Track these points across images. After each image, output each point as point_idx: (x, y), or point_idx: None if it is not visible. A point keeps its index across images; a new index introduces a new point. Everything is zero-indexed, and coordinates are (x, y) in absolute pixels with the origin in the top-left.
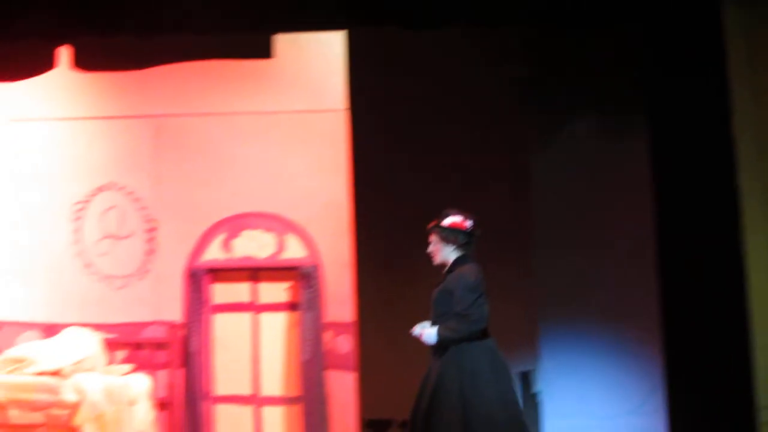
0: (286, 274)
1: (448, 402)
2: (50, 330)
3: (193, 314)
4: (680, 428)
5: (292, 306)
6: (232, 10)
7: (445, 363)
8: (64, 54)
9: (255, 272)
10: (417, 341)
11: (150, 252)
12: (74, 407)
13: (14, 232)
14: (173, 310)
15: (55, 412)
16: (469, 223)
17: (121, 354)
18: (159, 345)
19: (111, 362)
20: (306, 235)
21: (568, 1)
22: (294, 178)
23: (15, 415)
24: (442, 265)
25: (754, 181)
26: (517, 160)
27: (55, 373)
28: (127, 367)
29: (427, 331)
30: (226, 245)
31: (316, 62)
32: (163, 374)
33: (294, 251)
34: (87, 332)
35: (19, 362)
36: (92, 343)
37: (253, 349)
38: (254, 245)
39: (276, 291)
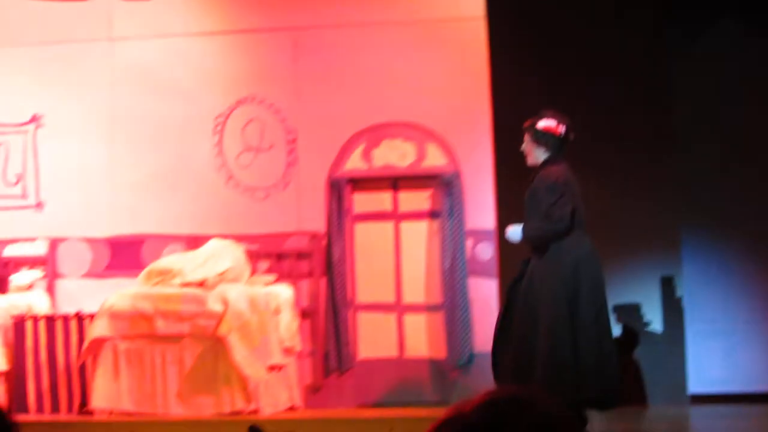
0: (427, 183)
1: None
2: (194, 242)
3: (335, 224)
4: None
5: (432, 214)
6: None
7: (544, 263)
8: None
9: (395, 181)
10: None
11: (291, 163)
12: (219, 317)
13: (156, 147)
14: (315, 221)
15: (201, 322)
16: (562, 128)
17: (264, 264)
18: (301, 255)
19: (254, 273)
20: (445, 143)
21: None
22: (433, 86)
23: (161, 326)
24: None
25: None
26: (659, 62)
27: (200, 284)
28: (270, 277)
29: (512, 229)
30: (367, 155)
31: None
32: (305, 283)
33: (434, 159)
34: (230, 243)
35: (164, 274)
36: (236, 254)
37: (394, 258)
38: (394, 154)
39: (417, 199)
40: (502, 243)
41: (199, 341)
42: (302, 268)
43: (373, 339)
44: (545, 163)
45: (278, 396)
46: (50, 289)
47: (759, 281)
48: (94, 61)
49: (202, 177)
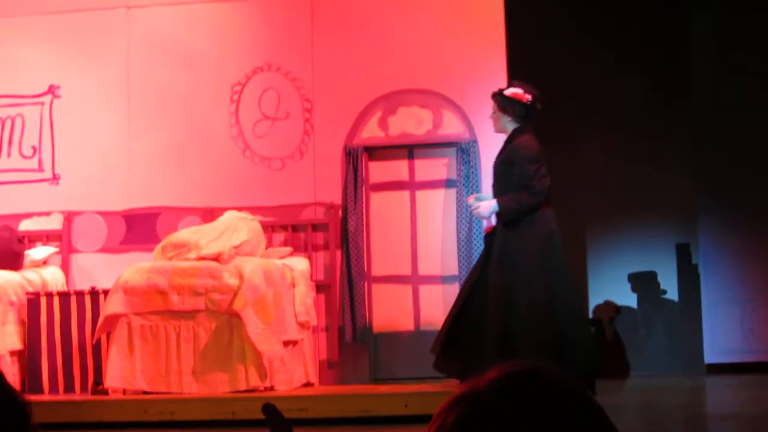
0: (443, 151)
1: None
2: (209, 214)
3: (351, 194)
4: None
5: (449, 183)
6: None
7: (520, 237)
8: None
9: (411, 149)
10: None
11: (307, 132)
12: (235, 291)
13: (173, 118)
14: (331, 191)
15: (216, 296)
16: (529, 96)
17: (279, 236)
18: (317, 226)
19: (270, 245)
20: (462, 110)
21: None
22: (449, 53)
23: (176, 301)
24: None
25: None
26: (678, 28)
27: (215, 258)
28: (286, 249)
29: (485, 204)
30: (383, 123)
31: None
32: (321, 255)
33: (451, 127)
34: (246, 216)
35: (179, 248)
36: (251, 226)
37: (410, 228)
38: (411, 122)
39: (433, 167)
40: None
41: (214, 317)
42: (318, 240)
43: (389, 312)
44: (516, 132)
45: (293, 372)
46: (65, 265)
47: None
48: (111, 30)
49: (218, 148)
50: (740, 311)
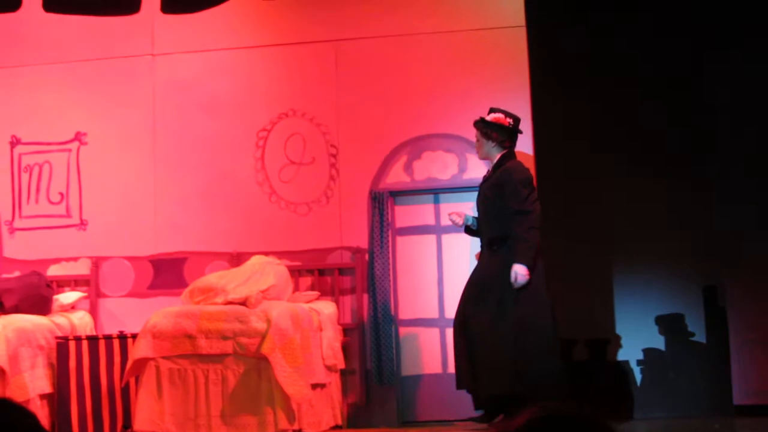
0: (469, 195)
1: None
2: (236, 259)
3: (377, 238)
4: None
5: None
6: None
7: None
8: None
9: (437, 193)
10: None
11: (332, 177)
12: (262, 335)
13: (199, 164)
14: (357, 235)
15: (244, 340)
16: (510, 120)
17: (306, 280)
18: (344, 270)
19: (297, 289)
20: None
21: None
22: (473, 96)
23: (204, 345)
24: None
25: None
26: (696, 69)
27: (243, 302)
28: (313, 293)
29: (518, 273)
30: (408, 167)
31: None
32: (348, 299)
33: (476, 171)
34: (272, 260)
35: (207, 292)
36: (278, 270)
37: (437, 272)
38: (436, 166)
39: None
40: (546, 256)
41: (242, 360)
42: (345, 284)
43: (416, 355)
44: (504, 157)
45: (322, 415)
46: (93, 309)
47: None
48: (136, 78)
49: (244, 193)
50: None
